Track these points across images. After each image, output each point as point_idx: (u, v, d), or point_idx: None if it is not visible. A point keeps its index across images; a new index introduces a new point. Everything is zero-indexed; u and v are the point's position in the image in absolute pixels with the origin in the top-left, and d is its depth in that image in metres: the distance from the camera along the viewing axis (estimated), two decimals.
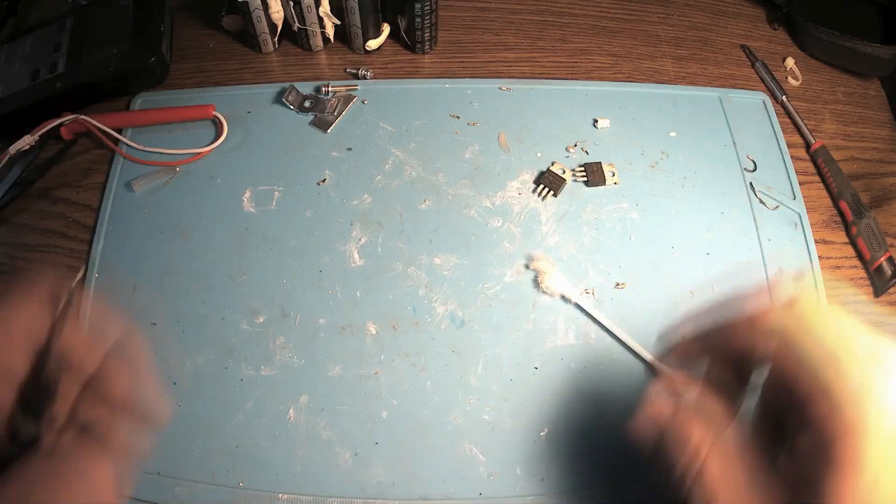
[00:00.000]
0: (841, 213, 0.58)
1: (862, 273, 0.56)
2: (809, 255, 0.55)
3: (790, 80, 0.65)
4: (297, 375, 0.48)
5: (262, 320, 0.50)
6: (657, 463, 0.32)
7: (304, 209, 0.54)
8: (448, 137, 0.58)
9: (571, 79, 0.63)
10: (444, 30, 0.65)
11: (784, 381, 0.30)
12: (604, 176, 0.55)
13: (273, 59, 0.64)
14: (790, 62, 0.66)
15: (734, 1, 0.71)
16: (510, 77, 0.62)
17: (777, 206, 0.57)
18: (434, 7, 0.59)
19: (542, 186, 0.55)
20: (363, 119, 0.59)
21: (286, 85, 0.59)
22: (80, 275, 0.47)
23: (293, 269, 0.52)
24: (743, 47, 0.67)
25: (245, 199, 0.54)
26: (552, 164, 0.56)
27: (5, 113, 0.56)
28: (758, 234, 0.55)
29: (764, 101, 0.63)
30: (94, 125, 0.55)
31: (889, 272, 0.54)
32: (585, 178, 0.56)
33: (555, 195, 0.55)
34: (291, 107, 0.59)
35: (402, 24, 0.62)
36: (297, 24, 0.60)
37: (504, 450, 0.46)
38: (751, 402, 0.32)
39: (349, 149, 0.57)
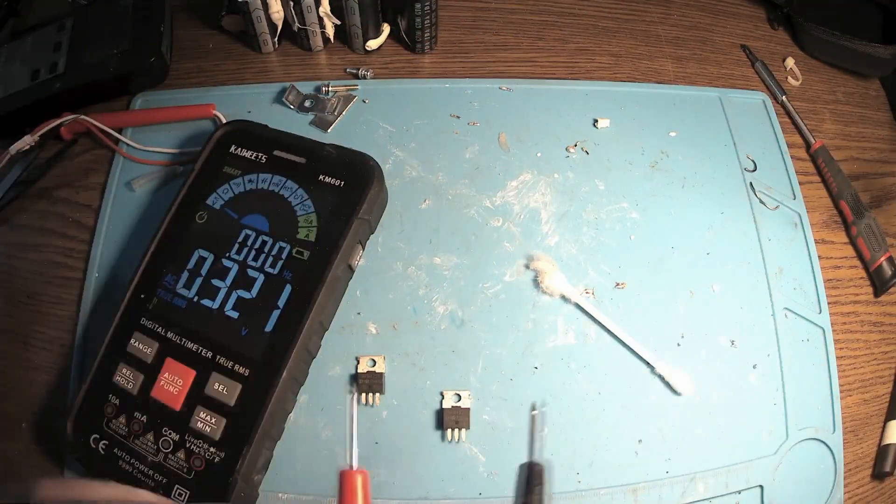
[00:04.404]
0: (841, 213, 0.58)
1: (862, 273, 0.56)
2: (809, 255, 0.55)
3: (790, 80, 0.65)
4: None
5: None
6: None
7: None
8: (448, 137, 0.58)
9: (571, 79, 0.63)
10: (444, 30, 0.65)
11: None
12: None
13: (273, 59, 0.64)
14: (790, 62, 0.66)
15: (734, 1, 0.71)
16: (510, 77, 0.62)
17: (777, 206, 0.57)
18: (434, 7, 0.59)
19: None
20: (363, 119, 0.59)
21: (286, 85, 0.59)
22: None
23: None
24: (743, 47, 0.67)
25: None
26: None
27: (5, 113, 0.56)
28: (758, 234, 0.55)
29: (764, 101, 0.63)
30: (94, 125, 0.55)
31: (889, 272, 0.54)
32: None
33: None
34: (291, 107, 0.59)
35: (402, 24, 0.62)
36: (297, 24, 0.60)
37: (504, 450, 0.46)
38: None
39: None
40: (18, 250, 0.53)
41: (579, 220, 0.55)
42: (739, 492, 0.46)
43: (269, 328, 0.44)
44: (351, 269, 0.49)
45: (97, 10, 0.61)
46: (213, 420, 0.42)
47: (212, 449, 0.42)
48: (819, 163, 0.60)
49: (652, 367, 0.49)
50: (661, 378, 0.48)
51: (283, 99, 0.59)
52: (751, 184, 0.57)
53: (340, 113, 0.58)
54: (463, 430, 0.46)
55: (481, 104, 0.60)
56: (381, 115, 0.59)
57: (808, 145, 0.61)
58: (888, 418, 0.50)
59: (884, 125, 0.65)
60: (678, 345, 0.50)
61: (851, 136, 0.63)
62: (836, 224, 0.58)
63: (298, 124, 0.58)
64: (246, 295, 0.46)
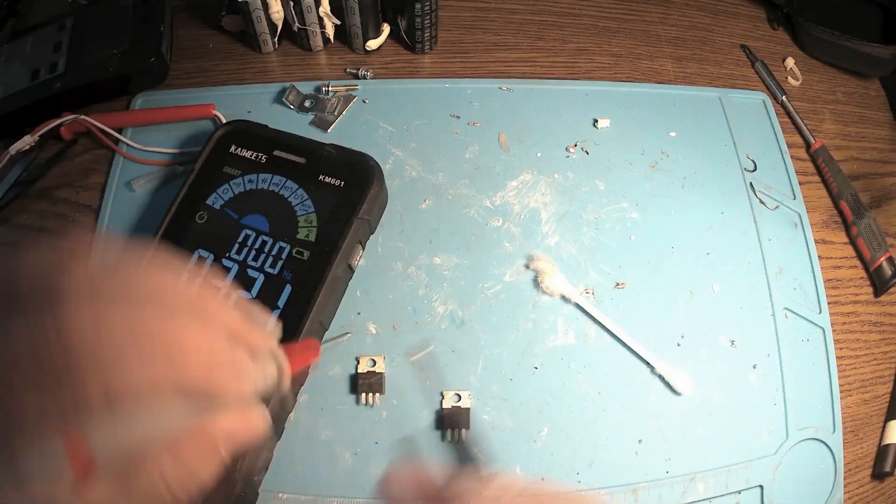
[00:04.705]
0: (841, 213, 0.58)
1: (862, 273, 0.56)
2: (809, 255, 0.55)
3: (790, 80, 0.65)
4: None
5: None
6: None
7: None
8: (448, 137, 0.58)
9: (571, 79, 0.63)
10: (444, 30, 0.65)
11: None
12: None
13: (273, 59, 0.64)
14: (790, 62, 0.66)
15: (734, 1, 0.71)
16: (510, 77, 0.62)
17: (777, 206, 0.57)
18: (434, 7, 0.59)
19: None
20: (363, 119, 0.59)
21: (286, 85, 0.59)
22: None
23: None
24: (743, 47, 0.67)
25: None
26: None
27: (5, 113, 0.56)
28: (758, 234, 0.55)
29: (764, 101, 0.63)
30: (94, 125, 0.55)
31: (889, 272, 0.54)
32: None
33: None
34: (292, 107, 0.59)
35: (402, 24, 0.62)
36: (297, 24, 0.60)
37: (504, 450, 0.46)
38: None
39: None
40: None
41: (579, 220, 0.55)
42: (739, 492, 0.46)
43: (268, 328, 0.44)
44: (351, 269, 0.49)
45: (97, 10, 0.61)
46: None
47: None
48: (819, 163, 0.60)
49: (652, 367, 0.49)
50: (661, 378, 0.48)
51: (283, 99, 0.59)
52: (751, 184, 0.57)
53: (340, 113, 0.58)
54: (462, 429, 0.46)
55: (481, 104, 0.60)
56: (381, 115, 0.59)
57: (808, 145, 0.61)
58: (888, 418, 0.50)
59: (884, 125, 0.65)
60: (678, 345, 0.50)
61: (851, 136, 0.63)
62: (836, 224, 0.58)
63: (298, 124, 0.58)
64: (246, 295, 0.46)
